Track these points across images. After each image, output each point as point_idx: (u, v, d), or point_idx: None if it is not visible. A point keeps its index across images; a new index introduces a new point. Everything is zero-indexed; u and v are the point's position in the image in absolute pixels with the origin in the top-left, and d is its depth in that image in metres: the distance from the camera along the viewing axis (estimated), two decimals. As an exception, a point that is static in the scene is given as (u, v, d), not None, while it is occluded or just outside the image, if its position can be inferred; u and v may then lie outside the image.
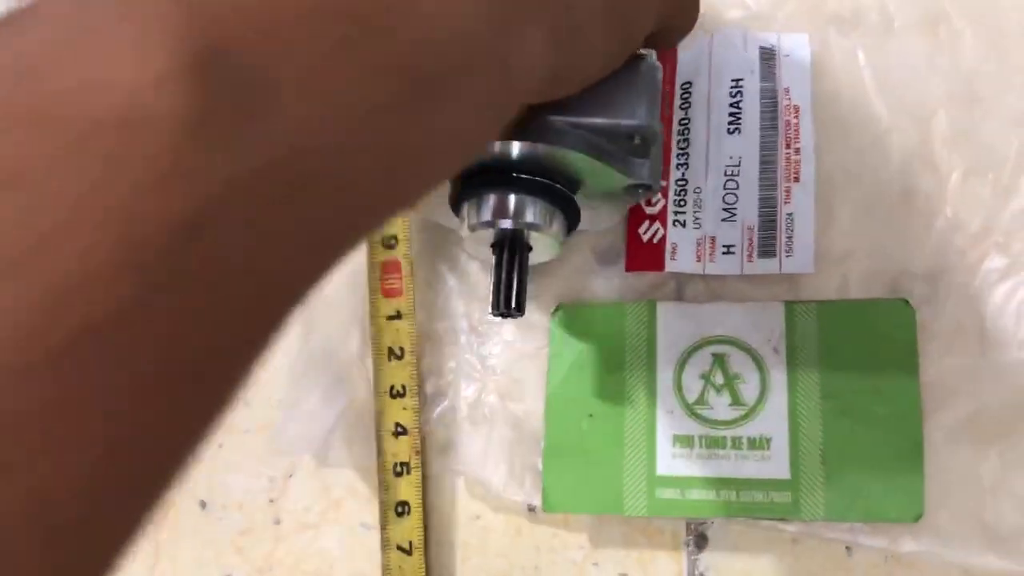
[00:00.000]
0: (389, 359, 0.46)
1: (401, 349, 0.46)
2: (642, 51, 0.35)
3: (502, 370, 0.46)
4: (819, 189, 0.44)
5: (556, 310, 0.45)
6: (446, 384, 0.46)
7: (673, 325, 0.43)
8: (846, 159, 0.44)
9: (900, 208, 0.43)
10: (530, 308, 0.45)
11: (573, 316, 0.44)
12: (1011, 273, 0.42)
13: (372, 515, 0.46)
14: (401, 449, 0.45)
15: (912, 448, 0.40)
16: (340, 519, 0.47)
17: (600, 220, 0.41)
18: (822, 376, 0.41)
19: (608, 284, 0.45)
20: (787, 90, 0.45)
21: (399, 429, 0.45)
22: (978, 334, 0.41)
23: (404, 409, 0.45)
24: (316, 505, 0.47)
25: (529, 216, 0.36)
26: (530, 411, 0.45)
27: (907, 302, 0.42)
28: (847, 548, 0.41)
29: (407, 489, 0.45)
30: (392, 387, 0.46)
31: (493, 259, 0.38)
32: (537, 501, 0.44)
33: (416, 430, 0.45)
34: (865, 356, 0.41)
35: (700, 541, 0.43)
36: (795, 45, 0.46)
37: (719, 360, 0.43)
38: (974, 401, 0.41)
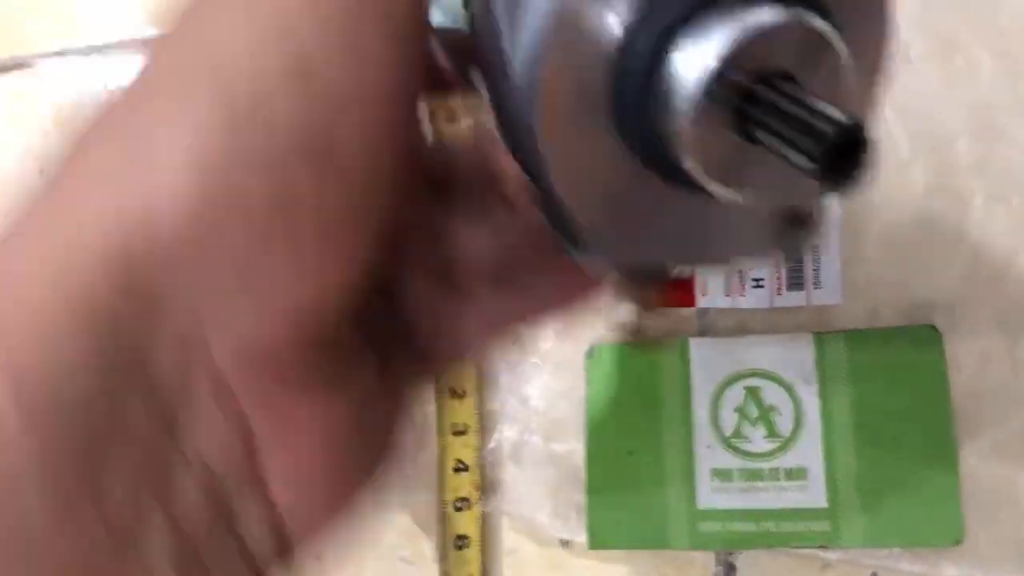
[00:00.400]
0: (451, 397, 0.48)
1: (463, 389, 0.48)
2: None
3: (542, 410, 0.47)
4: (844, 220, 0.45)
5: (590, 351, 0.46)
6: (491, 424, 0.48)
7: (706, 361, 0.44)
8: (871, 193, 0.45)
9: (924, 236, 0.44)
10: (564, 348, 0.46)
11: (607, 356, 0.46)
12: (1038, 296, 0.42)
13: (412, 550, 0.48)
14: (462, 485, 0.47)
15: (948, 472, 0.41)
16: (381, 554, 0.48)
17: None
18: (854, 404, 0.42)
19: (640, 321, 0.46)
20: (808, 125, 0.46)
21: (460, 465, 0.47)
22: (1009, 357, 0.42)
23: (466, 447, 0.47)
24: (357, 539, 0.49)
25: None
26: (572, 450, 0.46)
27: (934, 327, 0.42)
28: (873, 574, 0.42)
29: (467, 524, 0.47)
30: (454, 425, 0.47)
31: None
32: (581, 538, 0.45)
33: (477, 467, 0.47)
34: (896, 383, 0.42)
35: (729, 571, 0.44)
36: (814, 80, 0.47)
37: (752, 393, 0.44)
38: (1009, 423, 0.41)
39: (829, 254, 0.44)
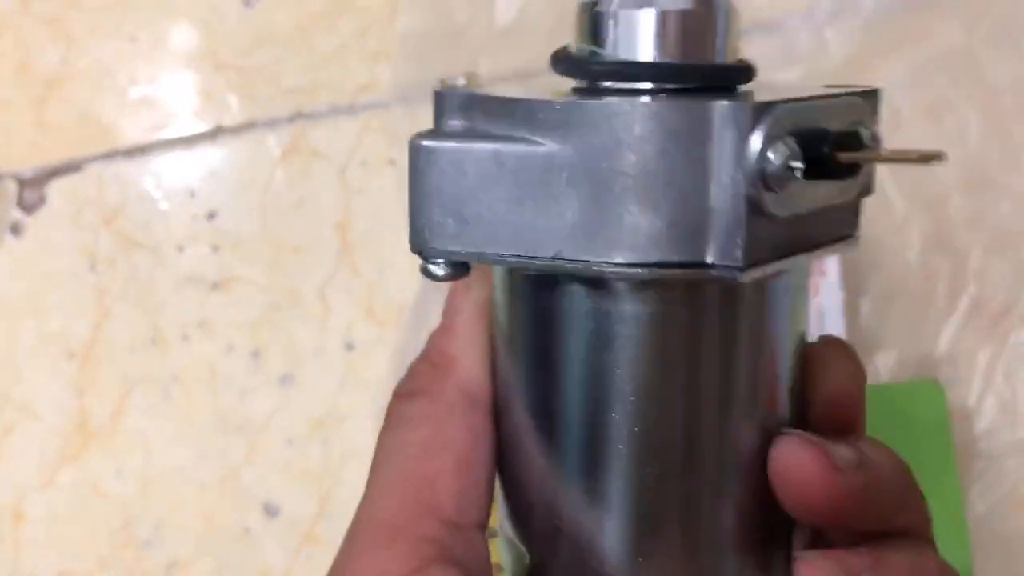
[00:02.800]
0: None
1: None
2: None
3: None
4: (844, 280, 0.47)
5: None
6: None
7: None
8: (868, 248, 0.47)
9: (924, 292, 0.46)
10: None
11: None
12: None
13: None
14: None
15: (956, 523, 0.42)
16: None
17: None
18: (863, 461, 0.44)
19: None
20: (805, 190, 0.48)
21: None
22: (1010, 408, 0.44)
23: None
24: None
25: None
26: None
27: (935, 382, 0.44)
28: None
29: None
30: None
31: None
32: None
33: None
34: (901, 438, 0.44)
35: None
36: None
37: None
38: (1013, 472, 0.43)
39: (832, 314, 0.46)
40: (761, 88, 0.23)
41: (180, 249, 0.59)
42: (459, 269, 0.23)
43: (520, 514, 0.24)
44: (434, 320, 0.26)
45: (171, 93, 0.62)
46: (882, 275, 0.47)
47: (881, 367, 0.46)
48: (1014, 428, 0.43)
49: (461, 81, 0.55)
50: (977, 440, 0.44)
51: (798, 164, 0.20)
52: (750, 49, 0.51)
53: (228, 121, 0.63)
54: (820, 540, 0.24)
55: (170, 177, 0.62)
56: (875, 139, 0.23)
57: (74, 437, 0.57)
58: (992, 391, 0.44)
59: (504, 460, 0.24)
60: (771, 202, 0.20)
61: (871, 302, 0.46)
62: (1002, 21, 0.47)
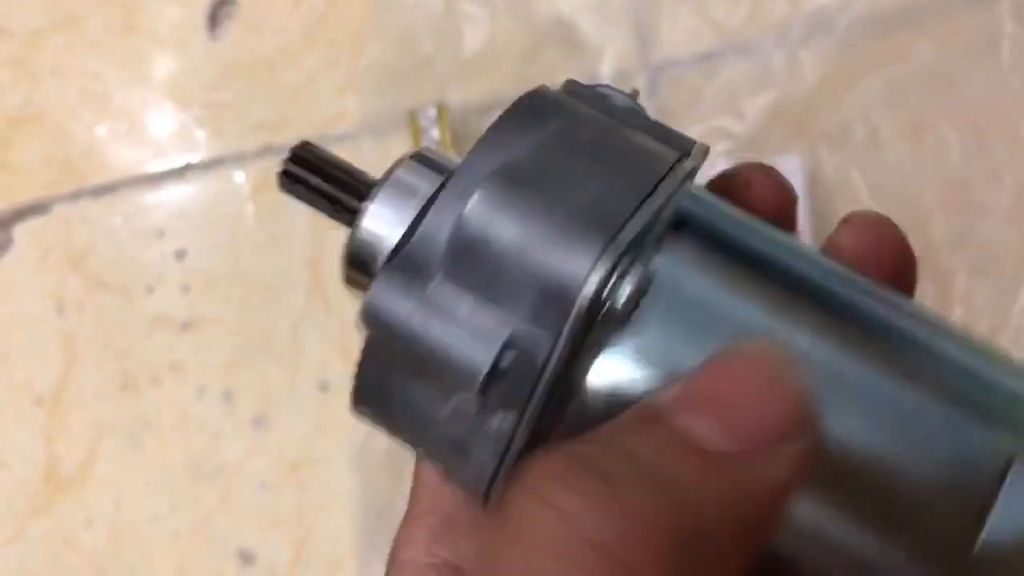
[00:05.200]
0: None
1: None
2: None
3: None
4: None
5: None
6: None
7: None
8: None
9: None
10: None
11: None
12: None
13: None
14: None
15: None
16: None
17: None
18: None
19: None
20: (784, 215, 0.47)
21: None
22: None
23: None
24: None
25: None
26: None
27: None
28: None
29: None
30: None
31: None
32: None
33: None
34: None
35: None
36: (788, 168, 0.48)
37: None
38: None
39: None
40: None
41: (149, 290, 0.58)
42: None
43: None
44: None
45: (138, 131, 0.61)
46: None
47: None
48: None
49: (431, 111, 0.54)
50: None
51: None
52: (725, 72, 0.51)
53: (196, 157, 0.61)
54: None
55: (138, 216, 0.60)
56: None
57: (43, 487, 0.55)
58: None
59: None
60: None
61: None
62: (976, 37, 0.46)
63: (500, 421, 0.18)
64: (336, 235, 0.21)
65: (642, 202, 0.18)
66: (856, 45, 0.48)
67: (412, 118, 0.53)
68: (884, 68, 0.47)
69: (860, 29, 0.48)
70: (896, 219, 0.45)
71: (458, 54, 0.52)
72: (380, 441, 0.50)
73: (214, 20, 0.63)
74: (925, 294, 0.44)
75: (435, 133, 0.52)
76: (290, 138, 0.60)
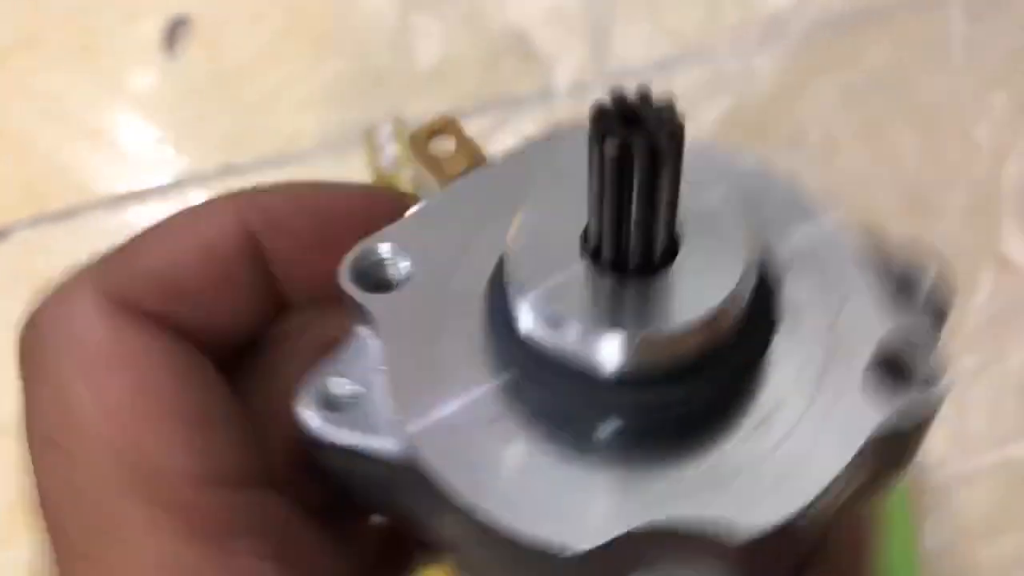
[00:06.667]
0: None
1: None
2: None
3: None
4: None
5: None
6: None
7: None
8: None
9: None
10: None
11: None
12: (984, 371, 0.43)
13: None
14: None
15: (908, 559, 0.41)
16: None
17: None
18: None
19: None
20: (742, 221, 0.47)
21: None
22: (960, 438, 0.43)
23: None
24: None
25: None
26: None
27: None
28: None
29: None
30: None
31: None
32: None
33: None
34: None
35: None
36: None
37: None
38: (965, 505, 0.42)
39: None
40: None
41: (112, 314, 0.58)
42: None
43: None
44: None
45: (99, 153, 0.61)
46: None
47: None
48: (964, 458, 0.42)
49: (387, 128, 0.54)
50: (928, 473, 0.42)
51: None
52: (681, 79, 0.50)
53: (157, 179, 0.61)
54: None
55: (101, 241, 0.60)
56: None
57: (9, 517, 0.54)
58: (941, 421, 0.43)
59: None
60: None
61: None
62: (930, 38, 0.46)
63: None
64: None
65: None
66: (811, 49, 0.48)
67: (368, 135, 0.52)
68: (839, 71, 0.47)
69: (814, 33, 0.48)
70: (854, 222, 0.45)
71: (412, 69, 0.52)
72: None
73: (172, 39, 0.63)
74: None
75: (391, 150, 0.51)
76: (250, 157, 0.59)
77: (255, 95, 0.60)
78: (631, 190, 0.15)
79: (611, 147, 0.15)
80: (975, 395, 0.42)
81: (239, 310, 0.20)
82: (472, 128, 0.48)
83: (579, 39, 0.53)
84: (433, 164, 0.25)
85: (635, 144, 0.15)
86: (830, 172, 0.47)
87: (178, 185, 0.60)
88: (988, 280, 0.44)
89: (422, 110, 0.53)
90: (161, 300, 0.19)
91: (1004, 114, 0.44)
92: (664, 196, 0.15)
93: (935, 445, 0.43)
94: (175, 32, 0.63)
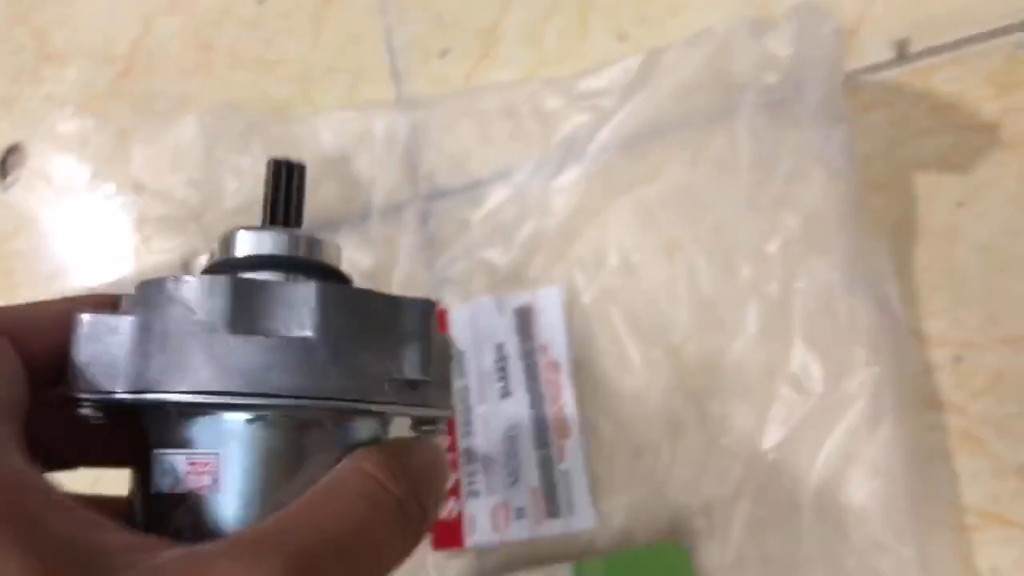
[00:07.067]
0: None
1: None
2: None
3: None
4: (589, 441, 0.45)
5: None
6: None
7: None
8: (610, 406, 0.46)
9: (670, 444, 0.45)
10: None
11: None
12: (781, 491, 0.43)
13: None
14: None
15: None
16: None
17: None
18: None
19: (419, 570, 0.47)
20: (545, 347, 0.47)
21: None
22: (763, 559, 0.42)
23: None
24: None
25: None
26: None
27: (678, 546, 0.43)
28: None
29: None
30: None
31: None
32: None
33: None
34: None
35: None
36: (548, 299, 0.48)
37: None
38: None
39: (578, 477, 0.45)
40: None
41: None
42: None
43: None
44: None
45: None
46: (627, 432, 0.45)
47: (636, 526, 0.44)
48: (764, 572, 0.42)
49: (203, 259, 0.54)
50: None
51: None
52: (490, 201, 0.50)
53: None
54: None
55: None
56: None
57: None
58: (745, 543, 0.43)
59: None
60: None
61: (619, 461, 0.45)
62: (719, 155, 0.46)
63: None
64: None
65: None
66: (608, 169, 0.48)
67: (187, 269, 0.52)
68: (634, 190, 0.48)
69: (611, 153, 0.48)
70: (652, 343, 0.45)
71: (223, 204, 0.52)
72: None
73: (4, 170, 0.63)
74: (686, 419, 0.44)
75: (205, 283, 0.51)
76: (79, 290, 0.59)
77: (81, 227, 0.59)
78: None
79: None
80: (774, 519, 0.42)
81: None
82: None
83: (394, 162, 0.53)
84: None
85: None
86: (628, 293, 0.47)
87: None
88: (781, 400, 0.44)
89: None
90: None
91: (796, 231, 0.45)
92: None
93: (737, 570, 0.42)
94: (7, 162, 0.63)
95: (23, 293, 0.59)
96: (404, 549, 0.26)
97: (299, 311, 0.27)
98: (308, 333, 0.26)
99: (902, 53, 0.48)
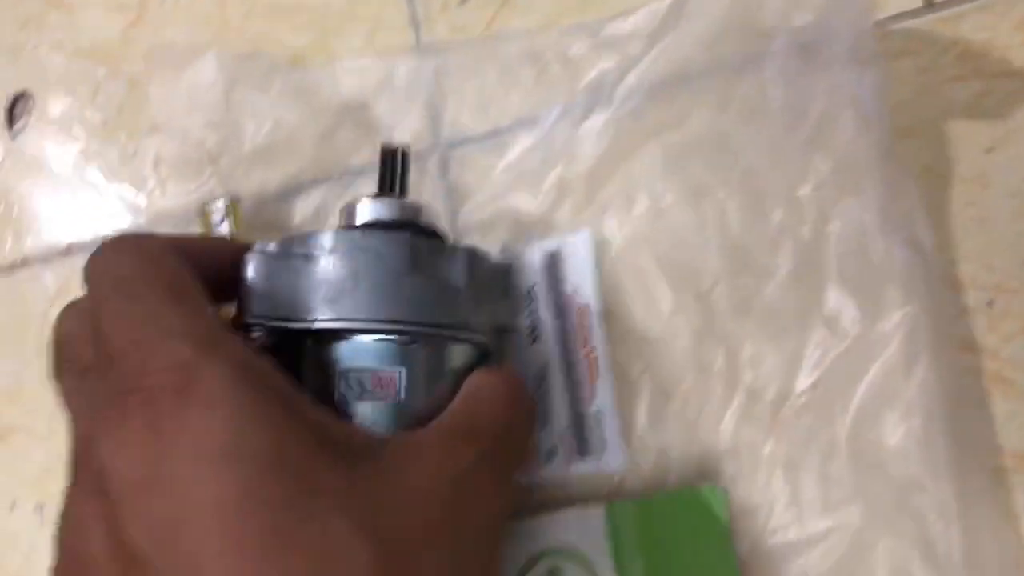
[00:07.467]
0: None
1: None
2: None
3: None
4: (619, 383, 0.45)
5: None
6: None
7: (504, 545, 0.44)
8: (639, 349, 0.46)
9: (699, 388, 0.45)
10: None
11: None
12: (813, 437, 0.43)
13: None
14: None
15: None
16: None
17: None
18: (648, 572, 0.42)
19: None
20: (574, 291, 0.46)
21: None
22: (796, 502, 0.42)
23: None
24: None
25: None
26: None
27: (715, 489, 0.42)
28: None
29: None
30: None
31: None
32: None
33: None
34: (685, 547, 0.42)
35: None
36: (578, 243, 0.47)
37: (555, 574, 0.43)
38: (801, 573, 0.41)
39: (609, 419, 0.45)
40: None
41: (-49, 406, 0.56)
42: None
43: None
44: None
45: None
46: (658, 374, 0.45)
47: (668, 469, 0.44)
48: (801, 524, 0.42)
49: (220, 204, 0.53)
50: (765, 538, 0.42)
51: None
52: (515, 148, 0.50)
53: (2, 259, 0.60)
54: None
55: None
56: None
57: None
58: (776, 485, 0.43)
59: None
60: None
61: (649, 403, 0.45)
62: (749, 101, 0.46)
63: None
64: None
65: None
66: (635, 114, 0.48)
67: (204, 213, 0.51)
68: (663, 136, 0.47)
69: (638, 98, 0.48)
70: (680, 287, 0.44)
71: (242, 147, 0.51)
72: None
73: (12, 118, 0.61)
74: (713, 362, 0.44)
75: (225, 227, 0.50)
76: (92, 238, 0.57)
77: (93, 176, 0.58)
78: None
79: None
80: (805, 460, 0.42)
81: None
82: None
83: (416, 108, 0.52)
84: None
85: None
86: (658, 237, 0.47)
87: (22, 265, 0.59)
88: (815, 342, 0.44)
89: (259, 184, 0.52)
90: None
91: (827, 175, 0.45)
92: None
93: (768, 512, 0.42)
94: (15, 109, 0.62)
95: (30, 241, 0.58)
96: (532, 438, 0.41)
97: (455, 267, 0.38)
98: (460, 283, 0.37)
99: (930, 1, 0.47)
